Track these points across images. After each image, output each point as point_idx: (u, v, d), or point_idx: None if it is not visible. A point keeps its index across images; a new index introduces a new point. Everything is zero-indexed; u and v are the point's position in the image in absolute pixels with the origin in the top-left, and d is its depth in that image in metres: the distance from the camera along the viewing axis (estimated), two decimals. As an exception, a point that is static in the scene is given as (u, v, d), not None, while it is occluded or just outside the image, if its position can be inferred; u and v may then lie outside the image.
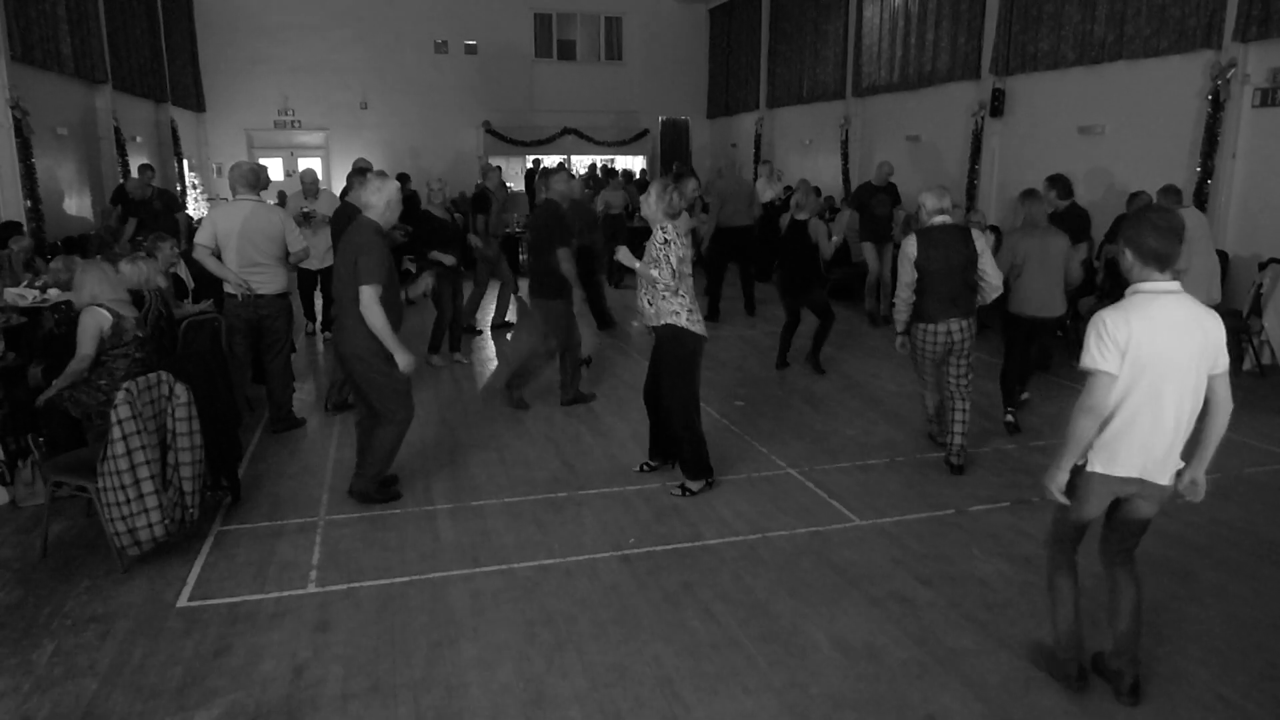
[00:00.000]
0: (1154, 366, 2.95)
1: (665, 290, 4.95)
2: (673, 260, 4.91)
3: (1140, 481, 3.08)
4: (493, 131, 19.69)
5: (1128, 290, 3.06)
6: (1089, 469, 3.11)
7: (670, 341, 5.04)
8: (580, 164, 19.85)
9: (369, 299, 4.59)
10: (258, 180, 6.26)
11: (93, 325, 4.76)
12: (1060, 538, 3.33)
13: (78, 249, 9.35)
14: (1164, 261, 2.95)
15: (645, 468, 5.60)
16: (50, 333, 5.52)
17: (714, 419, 6.55)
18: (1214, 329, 2.99)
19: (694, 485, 5.22)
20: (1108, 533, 3.31)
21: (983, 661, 3.50)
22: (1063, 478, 3.10)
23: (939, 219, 5.48)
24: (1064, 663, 3.33)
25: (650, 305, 5.05)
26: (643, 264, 5.03)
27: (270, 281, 6.18)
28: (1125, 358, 2.94)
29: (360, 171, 8.57)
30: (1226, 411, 3.06)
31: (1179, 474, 3.13)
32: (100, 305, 4.80)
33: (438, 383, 7.84)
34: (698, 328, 5.04)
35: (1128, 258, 3.02)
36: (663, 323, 5.01)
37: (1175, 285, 2.99)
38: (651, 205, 5.07)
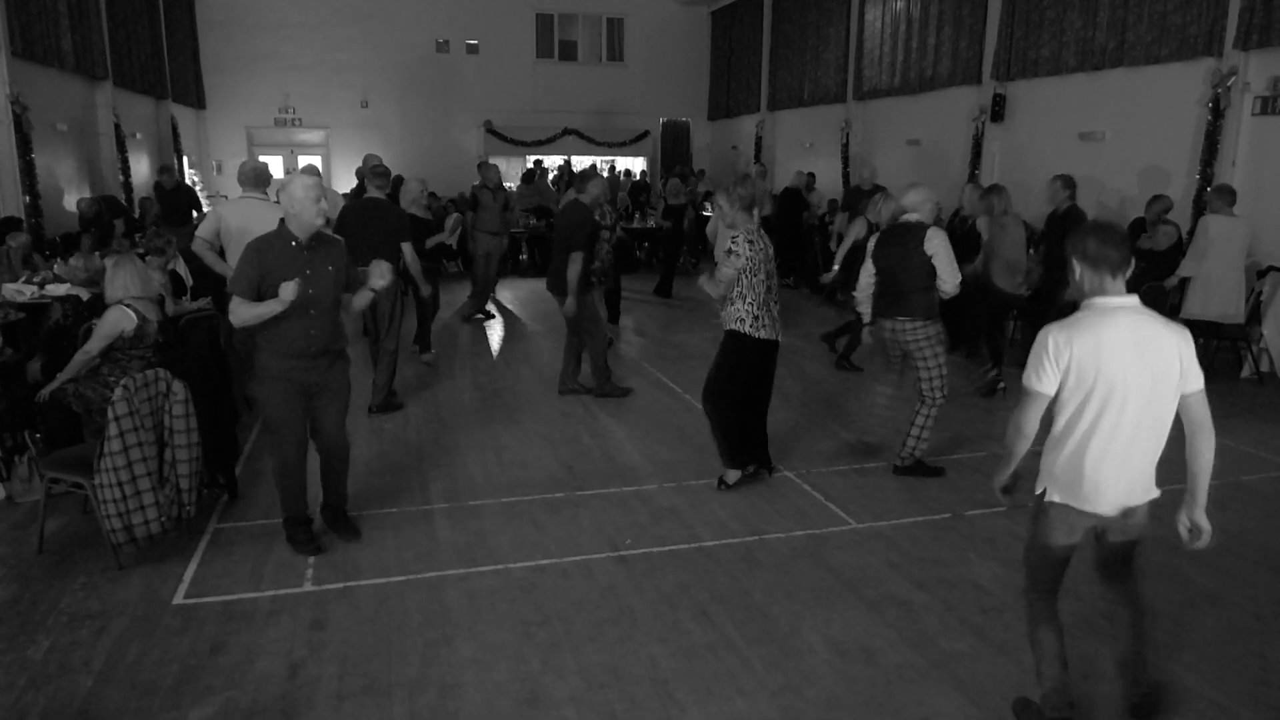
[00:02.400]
0: (1104, 389, 2.75)
1: (731, 294, 4.99)
2: (729, 270, 4.95)
3: (1101, 516, 2.90)
4: (493, 131, 19.70)
5: (1082, 304, 2.85)
6: (1048, 499, 2.94)
7: (732, 345, 5.10)
8: (580, 165, 19.85)
9: (232, 306, 4.20)
10: (260, 178, 6.28)
11: (114, 324, 4.76)
12: (1035, 580, 3.07)
13: (75, 246, 9.34)
14: (1114, 266, 2.76)
15: (745, 471, 5.44)
16: (57, 324, 5.50)
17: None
18: (1181, 345, 2.77)
19: (731, 476, 5.32)
20: (1098, 556, 3.13)
21: (978, 665, 3.51)
22: (1001, 480, 3.09)
23: (904, 217, 5.57)
24: (1053, 713, 3.01)
25: (730, 305, 5.06)
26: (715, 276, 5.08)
27: None
28: (1068, 380, 2.78)
29: (380, 172, 8.28)
30: (1208, 434, 2.83)
31: (1180, 515, 2.92)
32: (128, 305, 4.82)
33: (436, 382, 7.84)
34: (762, 333, 5.05)
35: (1076, 269, 2.82)
36: (728, 327, 5.07)
37: (1131, 300, 2.79)
38: (726, 209, 5.09)
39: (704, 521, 4.88)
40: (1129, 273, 2.80)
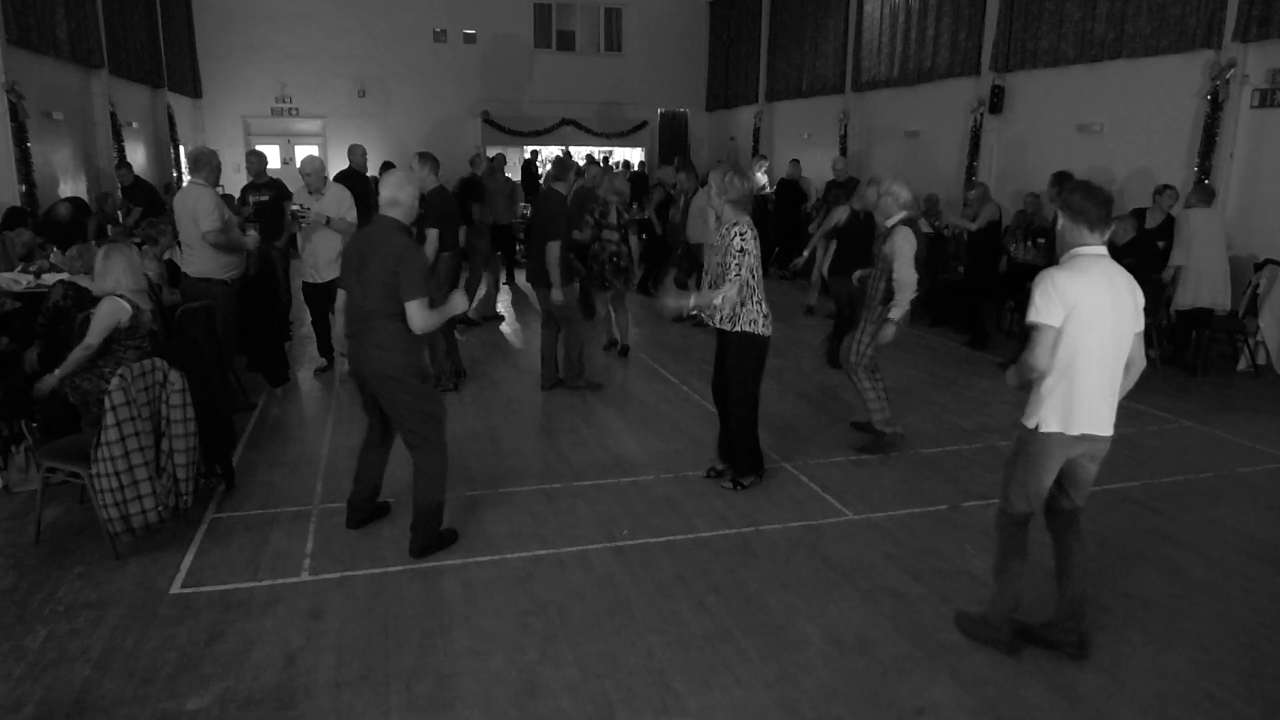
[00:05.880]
0: (1094, 324, 3.15)
1: (736, 298, 4.80)
2: (744, 272, 4.76)
3: (1088, 439, 3.27)
4: (491, 121, 19.64)
5: (1066, 254, 3.27)
6: (1044, 430, 3.27)
7: (749, 348, 4.94)
8: (577, 156, 19.82)
9: (419, 315, 4.01)
10: (195, 164, 6.39)
11: (110, 316, 4.71)
12: (1013, 514, 3.44)
13: (74, 231, 9.28)
14: (1093, 222, 3.19)
15: (713, 472, 5.39)
16: (56, 305, 5.46)
17: (709, 413, 6.54)
18: (1136, 294, 3.25)
19: (746, 480, 5.22)
20: (1056, 498, 3.48)
21: (973, 656, 3.52)
22: (1014, 380, 3.35)
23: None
24: (998, 627, 3.51)
25: (740, 306, 4.85)
26: (704, 294, 4.86)
27: (189, 262, 6.37)
28: (1071, 315, 3.13)
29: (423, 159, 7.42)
30: (1139, 369, 3.31)
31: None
32: (122, 296, 4.78)
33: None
34: (770, 330, 5.00)
35: (1061, 221, 3.28)
36: (738, 329, 4.88)
37: (1105, 250, 3.23)
38: (715, 198, 4.92)
39: (700, 512, 4.89)
40: (1106, 234, 3.24)
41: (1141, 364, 3.32)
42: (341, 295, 4.37)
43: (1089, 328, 3.15)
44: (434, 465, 4.30)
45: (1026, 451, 3.34)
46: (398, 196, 4.17)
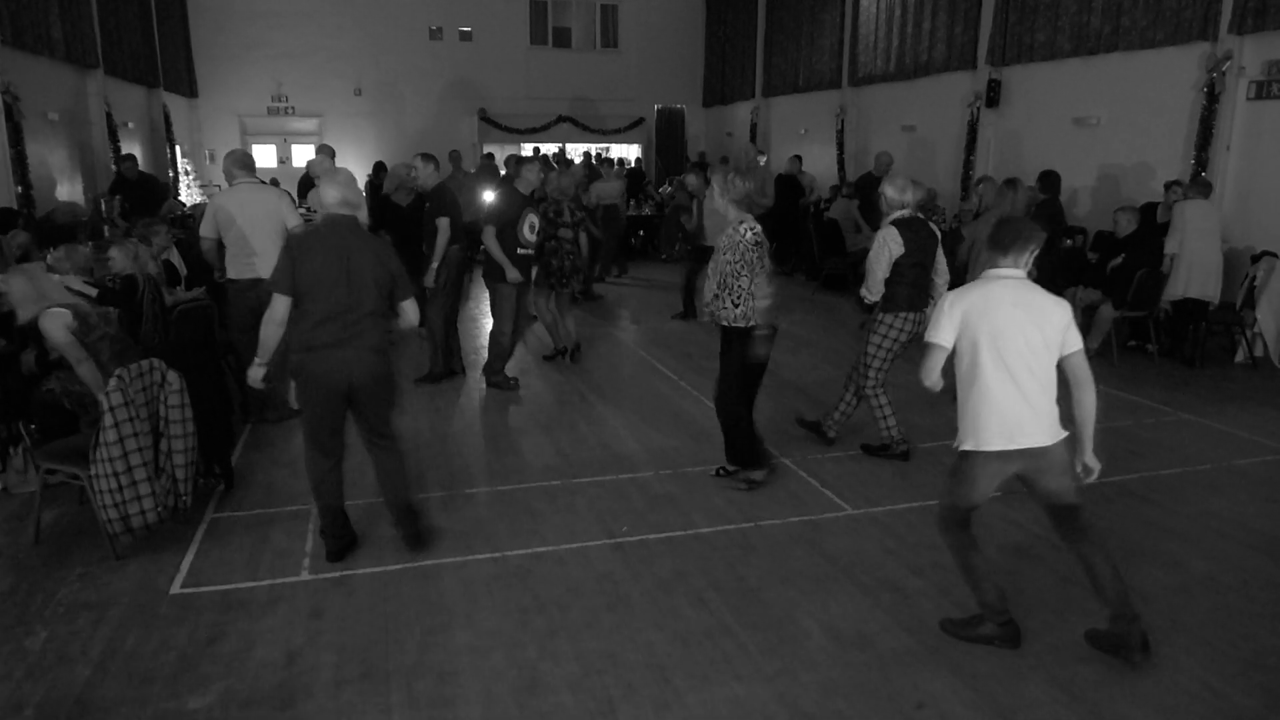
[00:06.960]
0: (992, 340, 3.22)
1: (755, 290, 4.78)
2: (766, 262, 4.80)
3: (1019, 454, 3.25)
4: (488, 119, 19.63)
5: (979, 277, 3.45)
6: (965, 449, 3.35)
7: (761, 341, 4.88)
8: (574, 152, 19.80)
9: (414, 310, 4.22)
10: (251, 163, 6.25)
11: (59, 331, 4.67)
12: (950, 522, 3.50)
13: (69, 236, 9.26)
14: (1004, 249, 3.31)
15: (722, 471, 5.31)
16: None
17: (708, 409, 6.55)
18: (1055, 313, 3.24)
19: (757, 475, 5.16)
20: (1051, 521, 3.48)
21: (972, 650, 3.52)
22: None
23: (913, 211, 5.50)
24: (1004, 626, 3.49)
25: (736, 306, 4.80)
26: (718, 278, 4.83)
27: (254, 266, 6.01)
28: (962, 332, 3.28)
29: (426, 158, 7.37)
30: (1088, 389, 3.28)
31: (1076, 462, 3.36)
32: (50, 309, 4.74)
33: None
34: (778, 320, 4.98)
35: (982, 251, 3.49)
36: (753, 323, 4.82)
37: (1017, 273, 3.31)
38: (718, 199, 4.90)
39: (700, 508, 4.89)
40: (1024, 258, 3.31)
41: (1088, 383, 3.28)
42: (284, 303, 3.95)
43: (981, 344, 3.23)
44: (403, 460, 4.42)
45: (957, 469, 3.43)
46: (349, 198, 4.12)
